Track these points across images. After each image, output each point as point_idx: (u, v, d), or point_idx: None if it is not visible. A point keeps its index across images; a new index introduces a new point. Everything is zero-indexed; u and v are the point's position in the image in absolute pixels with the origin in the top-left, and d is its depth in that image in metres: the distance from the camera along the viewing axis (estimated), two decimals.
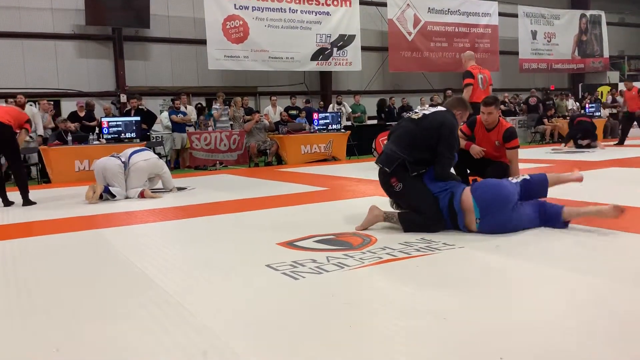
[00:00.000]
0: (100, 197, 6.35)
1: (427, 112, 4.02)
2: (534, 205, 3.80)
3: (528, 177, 3.91)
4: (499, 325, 2.12)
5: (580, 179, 4.07)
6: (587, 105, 15.11)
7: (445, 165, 3.86)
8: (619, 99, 17.07)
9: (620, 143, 12.19)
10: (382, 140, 12.02)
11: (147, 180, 6.85)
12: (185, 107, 12.10)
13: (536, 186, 3.87)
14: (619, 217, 3.56)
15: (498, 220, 3.67)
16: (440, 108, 4.11)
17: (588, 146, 11.43)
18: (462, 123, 4.38)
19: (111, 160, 6.59)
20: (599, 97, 18.21)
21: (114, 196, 6.40)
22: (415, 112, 4.12)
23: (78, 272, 3.28)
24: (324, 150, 11.69)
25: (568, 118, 13.39)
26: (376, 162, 4.13)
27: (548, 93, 17.55)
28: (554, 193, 4.85)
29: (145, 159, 6.72)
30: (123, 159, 6.60)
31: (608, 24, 21.50)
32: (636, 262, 2.99)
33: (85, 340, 2.17)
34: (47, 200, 6.80)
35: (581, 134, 11.68)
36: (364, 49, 16.21)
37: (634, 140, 12.89)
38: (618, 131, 15.68)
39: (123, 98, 13.43)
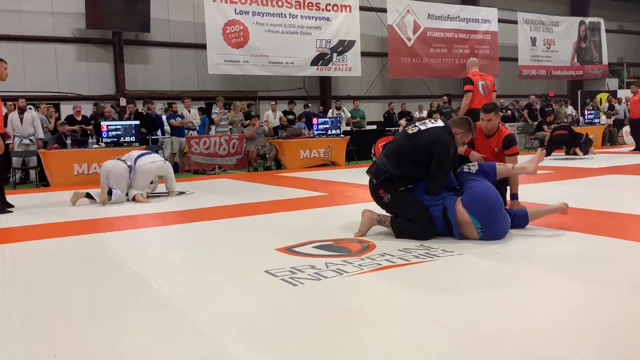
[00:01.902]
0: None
1: (423, 128, 3.97)
2: None
3: (477, 167, 4.04)
4: (498, 332, 2.12)
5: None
6: (586, 112, 15.16)
7: (439, 184, 3.85)
8: (617, 106, 17.13)
9: (637, 150, 12.27)
10: (381, 145, 12.03)
11: (151, 182, 6.91)
12: (189, 111, 12.08)
13: (486, 170, 4.05)
14: (567, 213, 4.04)
15: (498, 225, 3.75)
16: (438, 123, 4.04)
17: (574, 153, 11.49)
18: (462, 144, 4.27)
19: (117, 163, 6.69)
20: (598, 104, 18.25)
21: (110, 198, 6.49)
22: (414, 126, 4.09)
23: (77, 275, 3.28)
24: (323, 155, 11.70)
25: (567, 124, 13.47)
26: (367, 172, 4.17)
27: (548, 99, 17.59)
28: (549, 199, 4.86)
29: (152, 161, 6.85)
30: (129, 163, 6.68)
31: (607, 31, 21.58)
32: (632, 269, 2.99)
33: (84, 344, 2.16)
34: (46, 204, 6.79)
35: (563, 145, 11.77)
36: (363, 54, 16.25)
37: (629, 147, 12.93)
38: (617, 138, 15.78)
39: (122, 102, 13.44)
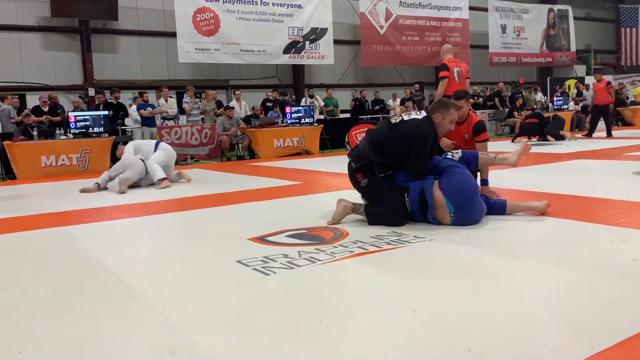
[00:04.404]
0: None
1: (406, 118, 4.02)
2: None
3: (461, 154, 4.06)
4: (468, 316, 2.15)
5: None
6: (555, 99, 15.44)
7: (418, 174, 3.91)
8: (585, 92, 17.46)
9: (589, 135, 12.60)
10: (355, 133, 12.04)
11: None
12: (166, 100, 11.88)
13: (469, 158, 4.07)
14: (547, 212, 4.03)
15: (471, 211, 3.81)
16: (417, 114, 4.06)
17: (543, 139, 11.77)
18: (450, 124, 4.15)
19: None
20: (566, 90, 18.59)
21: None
22: (398, 116, 4.12)
23: (43, 270, 3.20)
24: (296, 144, 11.66)
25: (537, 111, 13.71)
26: (348, 155, 4.22)
27: (517, 86, 17.84)
28: (521, 184, 4.94)
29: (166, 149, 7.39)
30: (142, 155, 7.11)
31: (575, 18, 21.95)
32: (603, 253, 3.05)
33: (50, 340, 2.11)
34: (12, 197, 6.62)
35: (533, 134, 12.02)
36: (336, 42, 16.20)
37: (600, 133, 13.23)
38: (585, 124, 16.11)
39: (91, 92, 13.16)
